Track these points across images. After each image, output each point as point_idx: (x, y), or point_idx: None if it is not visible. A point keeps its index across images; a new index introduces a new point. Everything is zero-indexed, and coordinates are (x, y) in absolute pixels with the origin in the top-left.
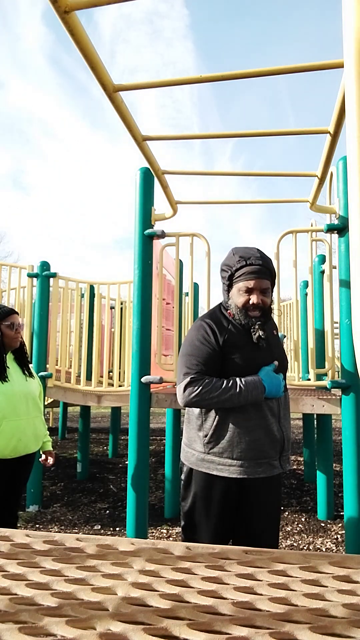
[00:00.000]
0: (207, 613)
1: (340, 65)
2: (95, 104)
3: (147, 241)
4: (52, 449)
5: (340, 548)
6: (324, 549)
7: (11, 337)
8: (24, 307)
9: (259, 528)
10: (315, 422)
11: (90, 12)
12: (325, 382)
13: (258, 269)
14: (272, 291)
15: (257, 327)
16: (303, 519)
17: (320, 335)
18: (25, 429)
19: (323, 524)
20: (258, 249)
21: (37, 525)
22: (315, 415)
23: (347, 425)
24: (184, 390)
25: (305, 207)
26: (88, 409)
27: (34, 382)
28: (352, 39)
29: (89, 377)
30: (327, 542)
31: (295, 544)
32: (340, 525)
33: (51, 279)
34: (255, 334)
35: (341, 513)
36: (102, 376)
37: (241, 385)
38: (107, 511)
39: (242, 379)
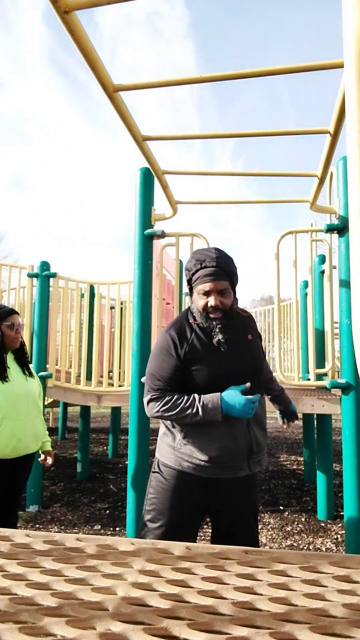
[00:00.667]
0: (207, 613)
1: (340, 65)
2: (95, 104)
3: (147, 241)
4: (51, 449)
5: (340, 548)
6: (324, 549)
7: (11, 338)
8: (24, 307)
9: (234, 528)
10: (315, 422)
11: (90, 12)
12: (325, 382)
13: (214, 270)
14: (233, 291)
15: (217, 330)
16: (303, 519)
17: (320, 335)
18: (25, 429)
19: (323, 524)
20: (216, 249)
21: (37, 525)
22: (315, 415)
23: (347, 425)
24: (148, 404)
25: (306, 207)
26: (88, 409)
27: (34, 382)
28: (352, 39)
29: (89, 377)
30: (327, 542)
31: (295, 544)
32: (340, 525)
33: (51, 279)
34: (215, 338)
35: (341, 513)
36: (102, 376)
37: (198, 405)
38: (107, 511)
39: (202, 399)
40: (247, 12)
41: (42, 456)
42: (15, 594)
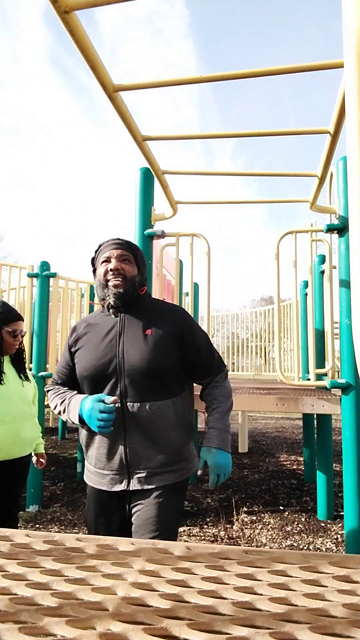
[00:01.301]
0: (207, 613)
1: (340, 65)
2: (95, 103)
3: (147, 241)
4: (44, 451)
5: (340, 548)
6: (324, 549)
7: (9, 344)
8: (24, 307)
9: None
10: (315, 422)
11: (90, 12)
12: (325, 382)
13: (114, 241)
14: (137, 267)
15: (111, 294)
16: (303, 519)
17: (320, 335)
18: (20, 432)
19: (323, 524)
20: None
21: (37, 525)
22: (315, 415)
23: (347, 425)
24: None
25: (306, 207)
26: None
27: (30, 386)
28: (352, 39)
29: None
30: (327, 542)
31: (295, 544)
32: (340, 525)
33: (51, 279)
34: (106, 301)
35: (341, 513)
36: None
37: (67, 404)
38: None
39: (72, 398)
40: (247, 12)
41: (34, 458)
42: (15, 594)
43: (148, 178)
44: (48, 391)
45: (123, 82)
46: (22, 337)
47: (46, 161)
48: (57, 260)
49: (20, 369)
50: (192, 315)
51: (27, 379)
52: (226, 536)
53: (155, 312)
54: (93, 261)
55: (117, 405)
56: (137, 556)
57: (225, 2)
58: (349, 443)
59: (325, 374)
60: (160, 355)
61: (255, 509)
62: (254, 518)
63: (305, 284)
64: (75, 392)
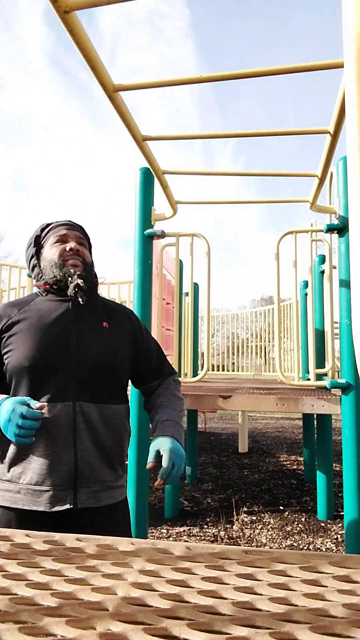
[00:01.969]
0: (207, 613)
1: (340, 65)
2: (95, 103)
3: (147, 241)
4: None
5: (340, 548)
6: (324, 549)
7: None
8: None
9: None
10: (315, 422)
11: (90, 11)
12: (325, 382)
13: (67, 222)
14: (90, 253)
15: (75, 276)
16: (303, 519)
17: (320, 335)
18: None
19: (323, 524)
20: None
21: None
22: (315, 415)
23: (347, 425)
24: None
25: (306, 207)
26: None
27: None
28: (352, 39)
29: None
30: (327, 542)
31: (295, 544)
32: (340, 525)
33: None
34: (72, 283)
35: (341, 513)
36: None
37: None
38: None
39: None
40: (247, 12)
41: None
42: (15, 594)
43: (148, 178)
44: None
45: (123, 82)
46: None
47: (46, 161)
48: None
49: None
50: (192, 315)
51: None
52: (226, 536)
53: (108, 307)
54: (37, 239)
55: (43, 413)
56: (137, 556)
57: (226, 1)
58: (349, 443)
59: (325, 374)
60: (120, 351)
61: (255, 509)
62: (254, 518)
63: (305, 284)
64: None
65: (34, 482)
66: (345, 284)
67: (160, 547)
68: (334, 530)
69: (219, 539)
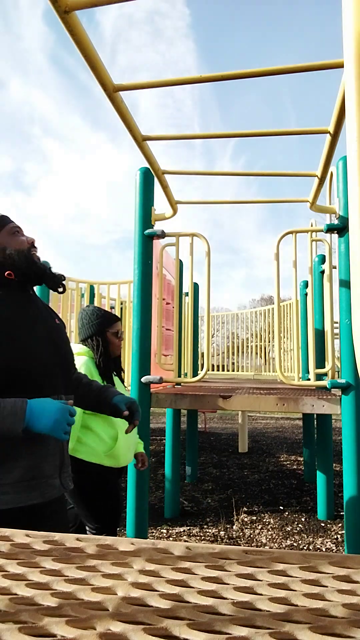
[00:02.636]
0: (207, 613)
1: (340, 65)
2: (96, 103)
3: (147, 241)
4: (144, 450)
5: (340, 548)
6: (324, 549)
7: (116, 345)
8: None
9: None
10: (315, 422)
11: (91, 11)
12: (325, 382)
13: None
14: None
15: (49, 268)
16: (303, 519)
17: (320, 335)
18: (131, 437)
19: (323, 524)
20: None
21: None
22: (315, 415)
23: (347, 425)
24: None
25: (306, 207)
26: None
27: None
28: (352, 39)
29: None
30: (327, 542)
31: (295, 544)
32: (340, 525)
33: None
34: (54, 273)
35: (341, 513)
36: None
37: None
38: None
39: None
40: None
41: (135, 460)
42: (15, 594)
43: (148, 178)
44: None
45: (123, 82)
46: (122, 338)
47: (46, 161)
48: (57, 260)
49: (119, 372)
50: (192, 315)
51: (123, 381)
52: (226, 536)
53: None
54: None
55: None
56: (137, 556)
57: (226, 1)
58: (349, 443)
59: (325, 374)
60: (70, 347)
61: (255, 509)
62: (254, 518)
63: (305, 284)
64: None
65: (28, 478)
66: (345, 284)
67: (160, 547)
68: (334, 530)
69: (219, 539)
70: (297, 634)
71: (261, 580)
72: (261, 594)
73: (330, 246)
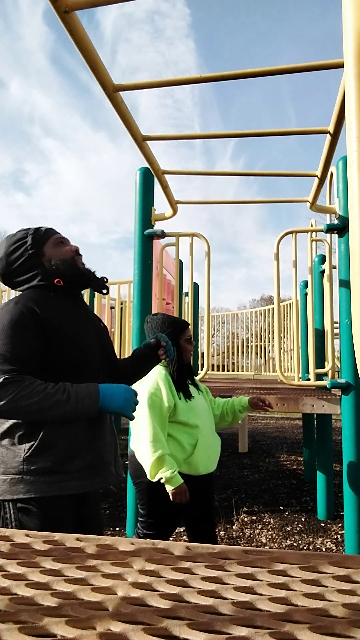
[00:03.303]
0: (207, 613)
1: (340, 65)
2: (96, 103)
3: (147, 241)
4: None
5: (340, 548)
6: (324, 549)
7: (189, 352)
8: None
9: None
10: (315, 422)
11: (91, 11)
12: (325, 382)
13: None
14: None
15: (93, 272)
16: (303, 519)
17: (320, 335)
18: (212, 446)
19: (323, 524)
20: None
21: None
22: (315, 415)
23: (347, 425)
24: None
25: (306, 207)
26: None
27: (203, 396)
28: (352, 39)
29: None
30: (327, 542)
31: (295, 544)
32: (340, 525)
33: None
34: (95, 281)
35: (341, 513)
36: None
37: (70, 390)
38: (107, 511)
39: (75, 387)
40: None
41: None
42: (15, 594)
43: (148, 178)
44: (12, 382)
45: (123, 82)
46: (193, 343)
47: (46, 161)
48: None
49: (192, 379)
50: (192, 315)
51: (198, 387)
52: (226, 536)
53: None
54: (39, 239)
55: None
56: (137, 556)
57: (226, 1)
58: (349, 443)
59: (325, 374)
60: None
61: (255, 509)
62: (254, 518)
63: (305, 284)
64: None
65: (92, 464)
66: (345, 284)
67: (160, 547)
68: (334, 530)
69: (219, 539)
70: (297, 634)
71: (261, 580)
72: (261, 594)
73: (330, 246)
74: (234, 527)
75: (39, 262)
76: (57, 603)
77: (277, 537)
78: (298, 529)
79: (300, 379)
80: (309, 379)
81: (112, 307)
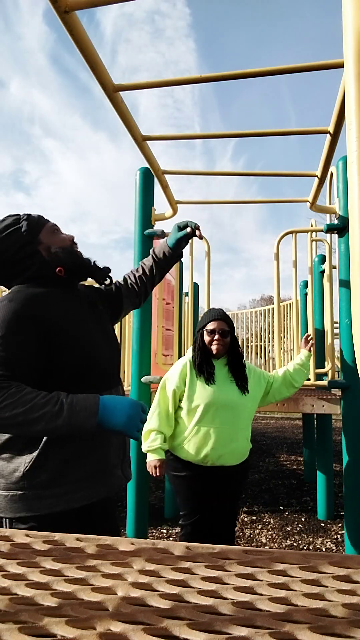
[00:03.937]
0: (207, 613)
1: (340, 65)
2: (96, 103)
3: (147, 241)
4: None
5: (340, 548)
6: (324, 549)
7: (209, 343)
8: None
9: None
10: (315, 422)
11: (91, 11)
12: (325, 382)
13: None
14: None
15: (94, 262)
16: (303, 519)
17: (320, 335)
18: (222, 439)
19: (323, 524)
20: None
21: None
22: (315, 415)
23: (347, 425)
24: None
25: (305, 207)
26: None
27: (249, 397)
28: (352, 39)
29: None
30: (327, 542)
31: (295, 544)
32: (340, 525)
33: None
34: (99, 268)
35: (341, 513)
36: None
37: (64, 401)
38: None
39: (67, 395)
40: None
41: None
42: (15, 594)
43: (148, 178)
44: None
45: (123, 82)
46: (224, 336)
47: (46, 162)
48: None
49: (238, 376)
50: (192, 315)
51: (244, 388)
52: None
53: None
54: (35, 225)
55: None
56: (137, 556)
57: (227, 1)
58: (349, 443)
59: (325, 374)
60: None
61: (255, 508)
62: (254, 518)
63: (305, 284)
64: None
65: (99, 469)
66: (345, 284)
67: (160, 547)
68: (334, 530)
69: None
70: (297, 634)
71: (261, 580)
72: (261, 594)
73: (330, 246)
74: None
75: (35, 250)
76: (57, 603)
77: (277, 537)
78: (298, 529)
79: None
80: (309, 379)
81: None
